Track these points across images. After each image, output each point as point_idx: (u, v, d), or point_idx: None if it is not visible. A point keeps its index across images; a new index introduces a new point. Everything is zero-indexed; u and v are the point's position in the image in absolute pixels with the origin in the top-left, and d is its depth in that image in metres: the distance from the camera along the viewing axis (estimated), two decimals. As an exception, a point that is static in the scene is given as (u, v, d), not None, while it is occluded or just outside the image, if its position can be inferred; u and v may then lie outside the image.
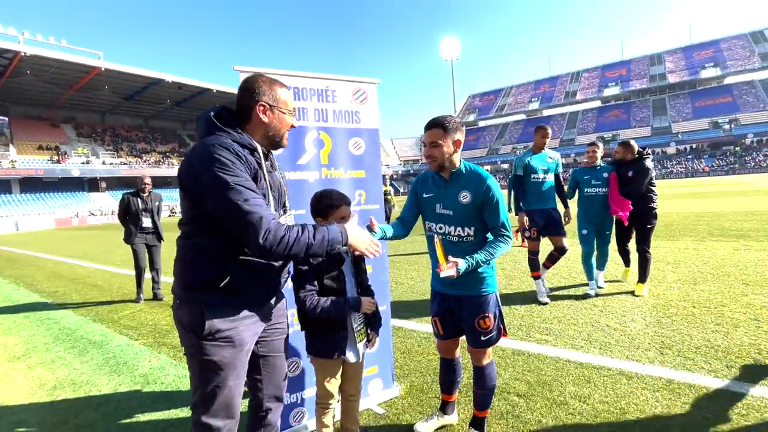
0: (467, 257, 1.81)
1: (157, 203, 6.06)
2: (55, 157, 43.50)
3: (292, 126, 1.59)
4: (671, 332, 3.38)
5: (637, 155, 4.49)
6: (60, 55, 35.73)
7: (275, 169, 1.62)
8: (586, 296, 4.50)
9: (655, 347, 3.11)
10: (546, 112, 76.71)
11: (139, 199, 5.87)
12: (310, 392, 2.35)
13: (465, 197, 1.90)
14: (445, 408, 2.32)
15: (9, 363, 3.72)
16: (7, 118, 42.77)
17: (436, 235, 1.93)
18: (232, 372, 1.45)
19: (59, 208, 40.78)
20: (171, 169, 49.63)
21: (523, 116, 79.70)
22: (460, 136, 1.90)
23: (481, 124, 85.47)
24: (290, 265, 1.69)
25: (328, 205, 1.82)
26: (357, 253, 1.55)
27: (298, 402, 2.30)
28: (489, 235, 1.97)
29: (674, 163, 56.06)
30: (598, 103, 71.55)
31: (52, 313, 5.46)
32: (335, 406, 1.93)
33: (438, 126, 1.87)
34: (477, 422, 2.15)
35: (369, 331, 1.98)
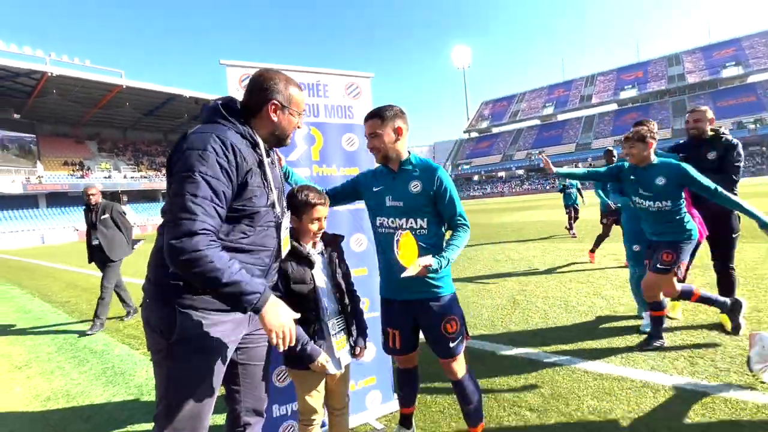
0: (437, 256, 1.68)
1: (107, 215, 5.11)
2: (79, 173, 45.09)
3: (298, 126, 1.53)
4: (701, 340, 3.08)
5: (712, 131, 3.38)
6: (84, 75, 37.18)
7: (275, 165, 1.55)
8: (601, 296, 4.20)
9: (684, 357, 2.83)
10: (561, 117, 75.48)
11: (91, 214, 5.12)
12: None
13: (416, 187, 1.81)
14: (407, 422, 2.15)
15: (9, 373, 3.68)
16: (35, 136, 44.69)
17: (399, 231, 1.75)
18: (203, 382, 1.30)
19: (83, 222, 42.07)
20: (189, 181, 50.55)
21: (537, 121, 78.66)
22: (401, 123, 1.82)
23: (495, 130, 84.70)
24: (276, 265, 1.54)
25: (305, 202, 1.65)
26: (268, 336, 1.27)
27: (288, 415, 2.13)
28: (441, 230, 1.89)
29: (697, 165, 53.99)
30: (614, 106, 70.01)
31: (60, 323, 5.46)
32: (320, 422, 1.75)
33: (375, 117, 1.80)
34: None
35: (352, 339, 1.79)
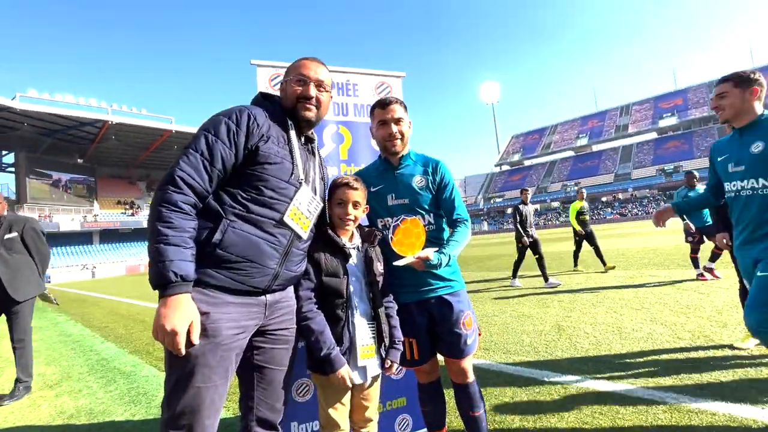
0: (437, 252, 1.59)
1: (14, 233, 3.46)
2: (130, 211, 48.49)
3: (303, 95, 1.44)
4: (795, 370, 2.58)
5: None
6: (139, 122, 40.97)
7: (315, 156, 1.54)
8: (659, 322, 3.71)
9: (776, 388, 2.36)
10: (596, 147, 73.44)
11: None
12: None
13: (420, 182, 1.75)
14: None
15: (40, 391, 3.68)
16: (94, 179, 48.97)
17: (403, 216, 1.67)
18: (201, 369, 1.15)
19: (131, 257, 44.62)
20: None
21: (571, 153, 76.97)
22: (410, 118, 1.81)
23: (527, 163, 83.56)
24: (299, 251, 1.41)
25: (331, 185, 1.60)
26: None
27: (308, 436, 1.92)
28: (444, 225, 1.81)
29: (754, 193, 49.98)
30: (653, 135, 67.43)
31: (96, 346, 5.54)
32: (343, 439, 1.53)
33: (398, 103, 1.74)
34: None
35: (383, 349, 1.57)
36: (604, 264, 8.10)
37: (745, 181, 1.92)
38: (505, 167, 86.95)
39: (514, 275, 7.55)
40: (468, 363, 1.75)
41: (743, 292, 3.16)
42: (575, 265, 8.80)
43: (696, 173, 6.27)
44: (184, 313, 1.08)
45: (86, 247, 43.99)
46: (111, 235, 46.23)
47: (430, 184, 1.75)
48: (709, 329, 3.61)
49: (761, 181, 1.86)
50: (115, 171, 52.90)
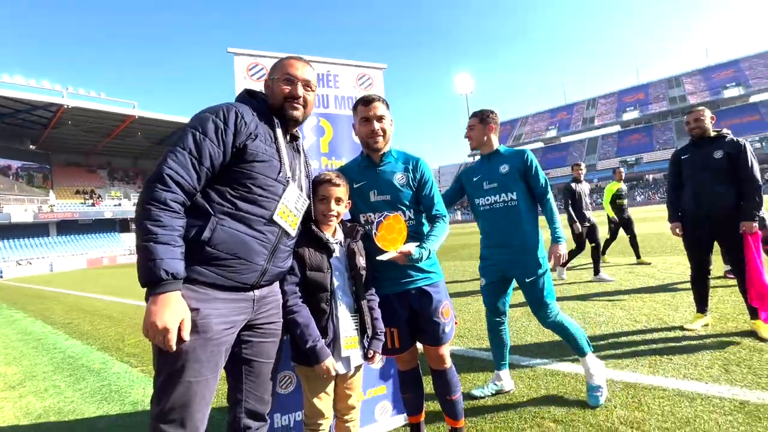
0: (418, 247, 1.67)
1: None
2: (90, 201, 45.86)
3: (291, 95, 1.46)
4: (734, 347, 2.87)
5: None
6: (98, 106, 38.51)
7: (300, 154, 1.57)
8: (619, 307, 3.98)
9: (718, 364, 2.62)
10: (564, 139, 75.96)
11: None
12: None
13: (401, 179, 1.81)
14: None
15: (1, 392, 3.52)
16: (49, 166, 45.87)
17: (385, 213, 1.75)
18: (192, 364, 1.17)
19: (92, 249, 42.38)
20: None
21: (540, 144, 79.20)
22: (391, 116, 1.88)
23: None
24: (286, 247, 1.44)
25: (314, 181, 1.62)
26: None
27: (290, 425, 1.96)
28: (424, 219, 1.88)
29: (705, 184, 53.49)
30: (617, 128, 70.46)
31: (60, 343, 5.31)
32: (327, 428, 1.59)
33: (381, 101, 1.80)
34: None
35: (366, 340, 1.63)
36: (638, 256, 6.91)
37: (497, 195, 2.36)
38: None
39: (563, 265, 6.38)
40: (446, 350, 1.85)
41: (694, 278, 3.44)
42: (603, 254, 7.24)
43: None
44: (174, 310, 1.09)
45: (42, 240, 41.34)
46: (69, 227, 43.62)
47: (410, 181, 1.81)
48: (663, 312, 3.91)
49: (509, 195, 2.34)
50: (73, 158, 49.82)
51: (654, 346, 3.08)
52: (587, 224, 6.13)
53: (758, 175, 3.07)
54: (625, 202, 7.19)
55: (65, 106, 35.69)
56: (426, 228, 1.86)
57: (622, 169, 7.49)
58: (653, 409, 2.15)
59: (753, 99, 59.23)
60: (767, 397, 2.14)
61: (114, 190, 50.20)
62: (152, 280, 1.08)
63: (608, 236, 7.40)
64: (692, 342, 3.06)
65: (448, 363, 1.86)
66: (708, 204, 3.20)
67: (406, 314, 1.81)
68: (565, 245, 2.36)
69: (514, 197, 2.33)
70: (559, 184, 64.27)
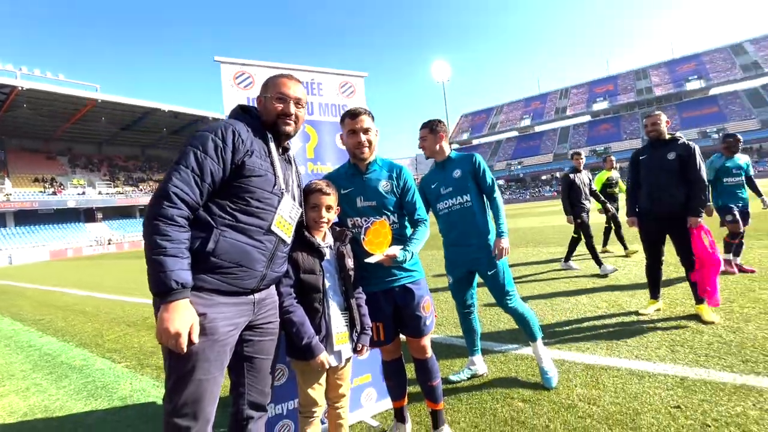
0: (402, 249, 1.83)
1: None
2: (51, 189, 43.44)
3: (284, 113, 1.56)
4: (680, 330, 3.22)
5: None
6: (57, 89, 36.23)
7: (292, 164, 1.67)
8: (584, 293, 4.33)
9: (665, 345, 2.95)
10: (537, 128, 77.80)
11: None
12: (297, 403, 2.16)
13: (386, 186, 1.95)
14: (401, 416, 2.16)
15: (-20, 392, 3.48)
16: (3, 152, 42.98)
17: (372, 219, 1.90)
18: (202, 364, 1.29)
19: (54, 240, 40.37)
20: (167, 196, 49.46)
21: (515, 133, 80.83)
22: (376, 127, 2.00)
23: (475, 142, 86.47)
24: (282, 254, 1.56)
25: (305, 190, 1.74)
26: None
27: (284, 414, 2.11)
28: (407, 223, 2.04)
29: (667, 173, 56.34)
30: (588, 118, 72.75)
31: (34, 341, 5.21)
32: (320, 415, 1.75)
33: (367, 114, 1.93)
34: (440, 416, 2.07)
35: (355, 334, 1.79)
36: (626, 248, 6.75)
37: (454, 199, 2.57)
38: (455, 146, 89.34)
39: (568, 257, 6.33)
40: (427, 341, 2.03)
41: (649, 267, 3.80)
42: (605, 244, 7.41)
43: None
44: (184, 316, 1.21)
45: (-1, 231, 39.02)
46: (29, 217, 41.27)
47: (394, 188, 1.96)
48: (622, 299, 4.28)
49: (464, 197, 2.54)
50: (30, 144, 46.89)
51: (612, 330, 3.40)
52: (584, 215, 6.00)
53: (705, 176, 3.43)
54: (617, 190, 7.15)
55: (20, 88, 33.40)
56: (409, 231, 2.02)
57: (613, 157, 7.44)
58: (608, 386, 2.43)
59: (712, 92, 62.36)
60: (703, 373, 2.47)
61: (77, 177, 47.65)
62: (163, 290, 1.19)
63: (606, 225, 7.31)
64: (645, 325, 3.41)
65: (429, 353, 2.05)
66: (661, 204, 3.57)
67: (390, 309, 1.97)
68: (508, 239, 2.50)
69: (469, 199, 2.54)
70: (533, 173, 66.40)
